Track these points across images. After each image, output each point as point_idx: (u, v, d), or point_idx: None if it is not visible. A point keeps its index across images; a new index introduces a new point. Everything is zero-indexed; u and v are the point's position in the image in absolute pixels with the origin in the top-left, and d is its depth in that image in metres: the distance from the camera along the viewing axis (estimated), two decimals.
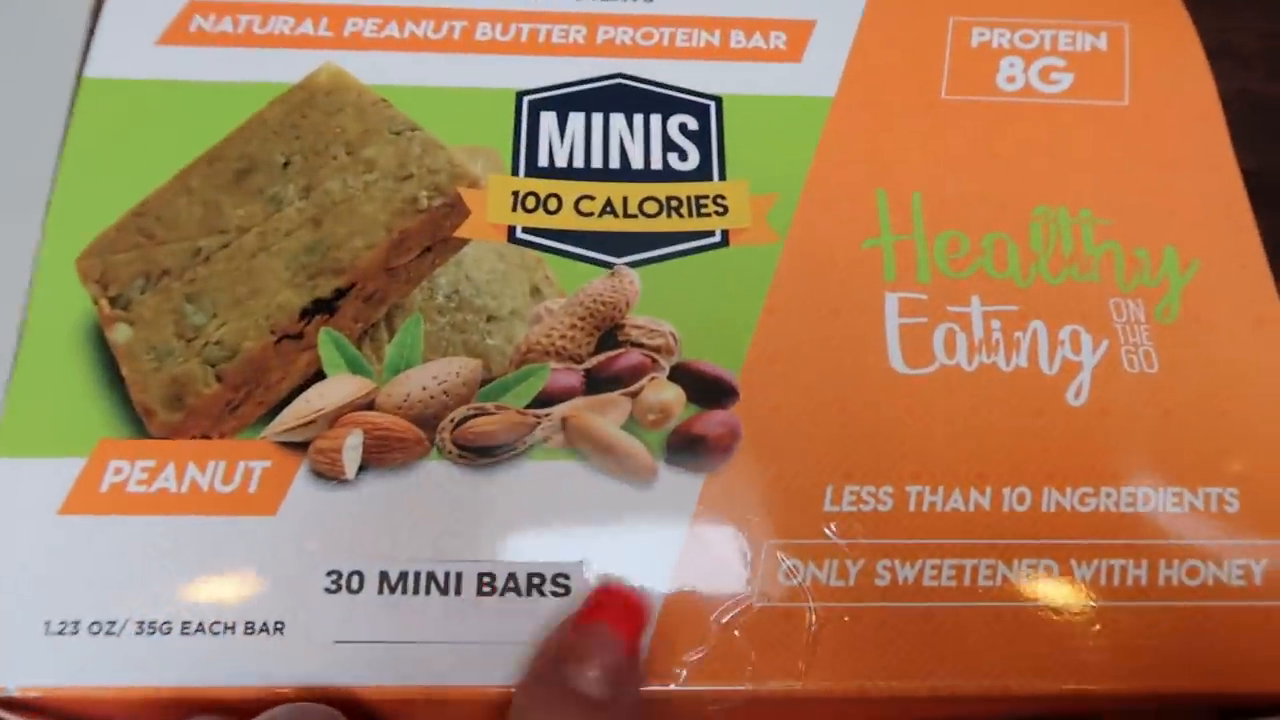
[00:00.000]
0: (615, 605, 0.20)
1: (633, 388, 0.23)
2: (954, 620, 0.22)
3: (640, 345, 0.24)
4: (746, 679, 0.21)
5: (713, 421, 0.23)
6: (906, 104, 0.27)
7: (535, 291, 0.24)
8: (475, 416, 0.23)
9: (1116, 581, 0.22)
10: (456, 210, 0.25)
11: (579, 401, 0.23)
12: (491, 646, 0.21)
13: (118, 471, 0.22)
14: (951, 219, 0.25)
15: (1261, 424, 0.23)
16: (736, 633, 0.21)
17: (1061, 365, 0.24)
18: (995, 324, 0.24)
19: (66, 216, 0.24)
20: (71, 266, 0.24)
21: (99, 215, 0.24)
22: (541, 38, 0.27)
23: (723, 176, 0.25)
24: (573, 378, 0.23)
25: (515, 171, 0.25)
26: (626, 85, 0.26)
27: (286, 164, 0.25)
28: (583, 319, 0.24)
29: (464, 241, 0.25)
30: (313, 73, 0.26)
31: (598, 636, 0.20)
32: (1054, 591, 0.22)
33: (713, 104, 0.26)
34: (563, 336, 0.24)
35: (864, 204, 0.25)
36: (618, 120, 0.26)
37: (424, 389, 0.23)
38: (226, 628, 0.21)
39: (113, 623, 0.21)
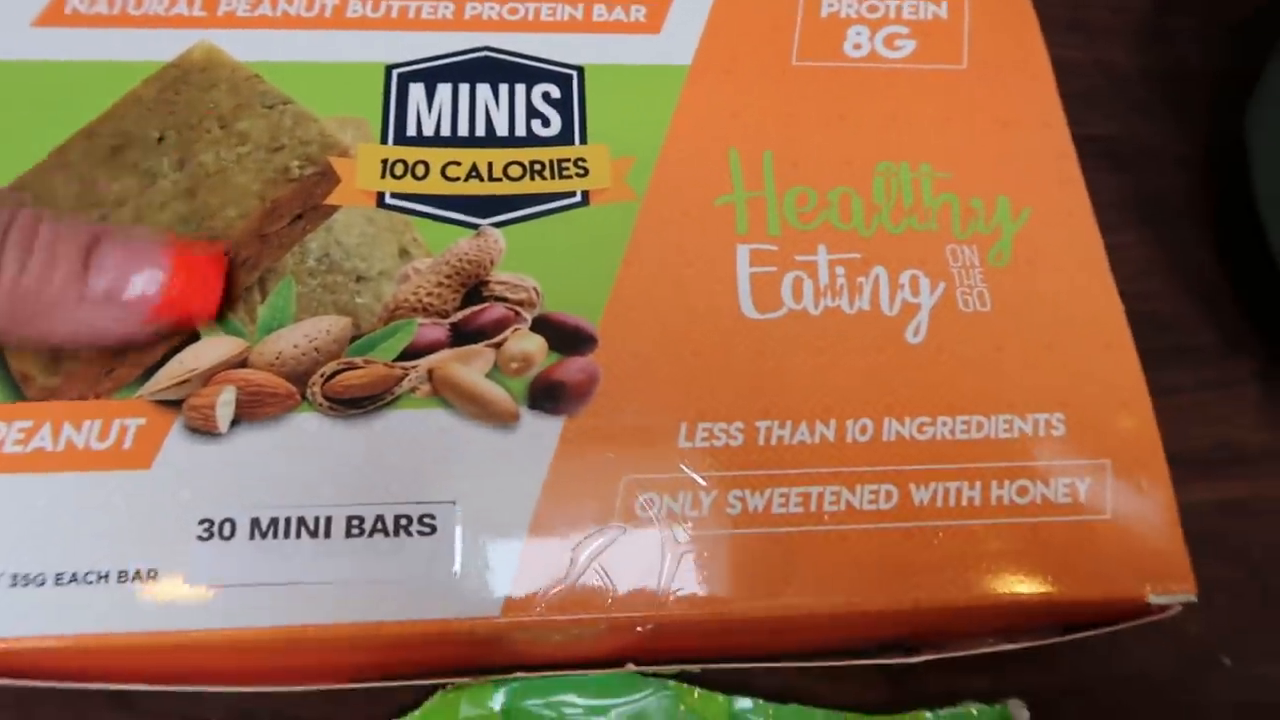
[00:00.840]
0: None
1: (496, 339, 0.24)
2: (802, 543, 0.23)
3: (504, 300, 0.25)
4: (609, 609, 0.22)
5: (572, 368, 0.24)
6: (759, 71, 0.28)
7: (404, 253, 0.25)
8: (344, 370, 0.24)
9: (952, 502, 0.24)
10: (327, 178, 0.26)
11: (444, 353, 0.24)
12: (360, 585, 0.22)
13: None
14: (800, 176, 0.27)
15: (1083, 358, 0.25)
16: (596, 565, 0.23)
17: (901, 307, 0.25)
18: (840, 270, 0.26)
19: None
20: None
21: None
22: (411, 13, 0.28)
23: (584, 141, 0.27)
24: (439, 331, 0.24)
25: (384, 140, 0.26)
26: (492, 58, 0.28)
27: (161, 139, 0.26)
28: (449, 277, 0.25)
29: (334, 208, 0.26)
30: (187, 50, 0.27)
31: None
32: (894, 513, 0.23)
33: (575, 74, 0.28)
34: (429, 294, 0.25)
35: (718, 164, 0.27)
36: (484, 90, 0.27)
37: (295, 346, 0.24)
38: (100, 576, 0.22)
39: None
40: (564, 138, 0.27)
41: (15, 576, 0.22)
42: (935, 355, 0.25)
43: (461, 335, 0.24)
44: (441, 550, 0.22)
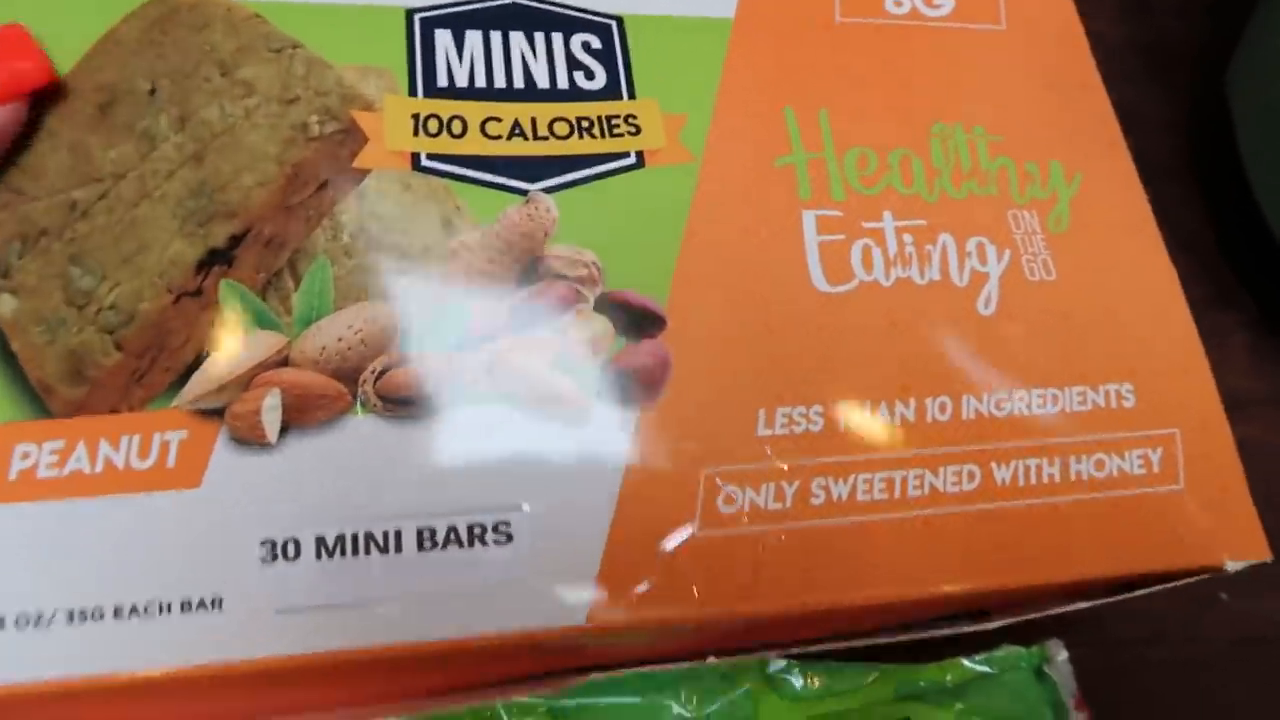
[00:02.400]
0: None
1: (559, 322, 0.22)
2: (888, 531, 0.22)
3: (563, 277, 0.23)
4: (694, 606, 0.21)
5: (642, 353, 0.23)
6: (803, 27, 0.26)
7: (447, 224, 0.23)
8: (397, 365, 0.22)
9: (1034, 480, 0.23)
10: (352, 136, 0.23)
11: (505, 341, 0.22)
12: (438, 599, 0.20)
13: (25, 456, 0.20)
14: (859, 136, 0.25)
15: (1144, 324, 0.25)
16: (681, 562, 0.21)
17: (971, 276, 0.25)
18: (907, 238, 0.25)
19: None
20: None
21: None
22: None
23: (632, 95, 0.25)
24: (496, 316, 0.22)
25: (413, 92, 0.24)
26: (521, 4, 0.25)
27: (153, 90, 0.23)
28: (501, 253, 0.23)
29: (364, 172, 0.23)
30: None
31: None
32: (978, 494, 0.23)
33: (614, 23, 0.25)
34: (481, 272, 0.23)
35: (774, 122, 0.25)
36: (518, 39, 0.25)
37: (340, 340, 0.22)
38: (163, 607, 0.20)
39: (40, 615, 0.19)
40: (610, 91, 0.24)
41: (71, 613, 0.19)
42: (1007, 326, 0.24)
43: (521, 319, 0.22)
44: (520, 558, 0.21)
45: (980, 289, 0.24)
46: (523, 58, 0.24)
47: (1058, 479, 0.23)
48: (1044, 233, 0.25)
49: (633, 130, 0.24)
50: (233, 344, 0.21)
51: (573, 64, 0.25)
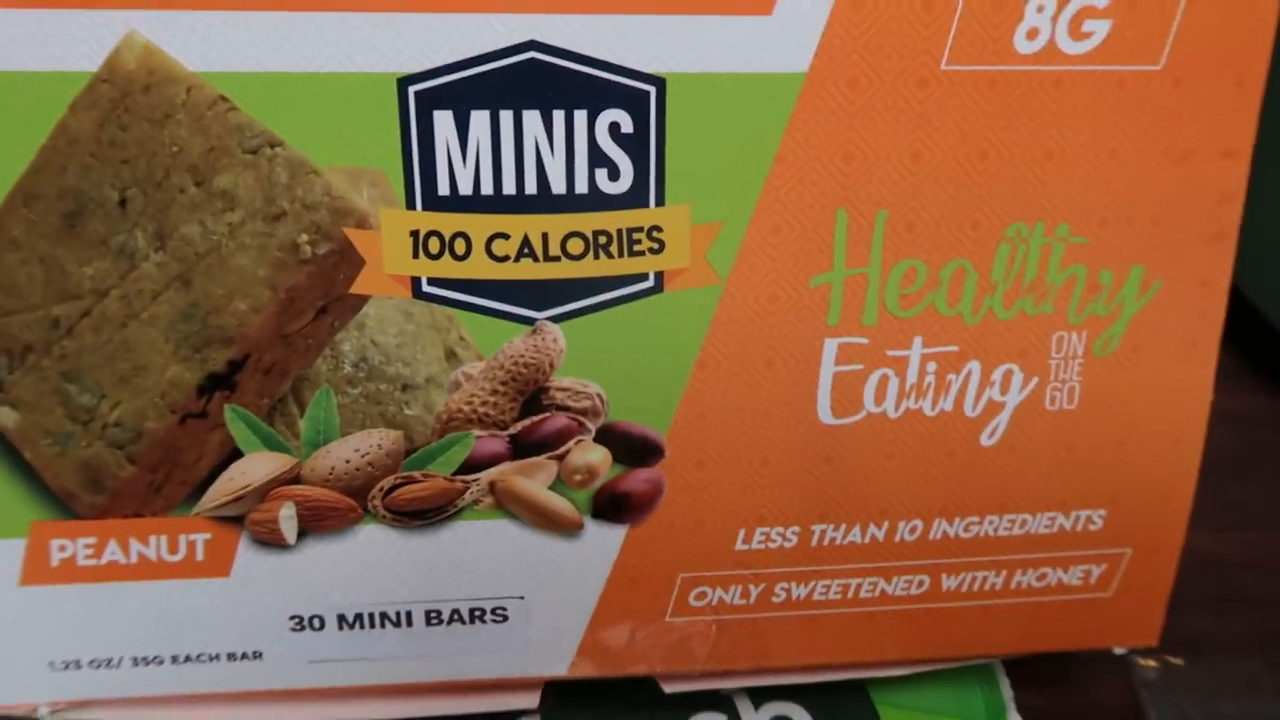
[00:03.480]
0: None
1: (559, 451, 0.23)
2: (834, 622, 0.26)
3: (566, 409, 0.23)
4: (657, 666, 0.26)
5: (638, 479, 0.24)
6: (895, 80, 0.21)
7: (450, 355, 0.22)
8: (404, 485, 0.23)
9: (976, 588, 0.26)
10: (348, 259, 0.21)
11: (506, 466, 0.23)
12: (442, 656, 0.25)
13: (62, 549, 0.23)
14: (914, 245, 0.23)
15: (1150, 454, 0.25)
16: (649, 636, 0.26)
17: (985, 407, 0.24)
18: (931, 366, 0.24)
19: None
20: None
21: None
22: None
23: (660, 200, 0.22)
24: (498, 444, 0.23)
25: (410, 203, 0.21)
26: (541, 63, 0.20)
27: (123, 201, 0.21)
28: (504, 383, 0.23)
29: (363, 299, 0.22)
30: (115, 53, 0.20)
31: None
32: (923, 598, 0.26)
33: (653, 90, 0.21)
34: (484, 403, 0.23)
35: (820, 231, 0.22)
36: (533, 122, 0.21)
37: (347, 462, 0.23)
38: (212, 657, 0.25)
39: (109, 659, 0.24)
40: (636, 196, 0.22)
41: (135, 659, 0.24)
42: (1004, 458, 0.25)
43: (522, 447, 0.23)
44: (514, 631, 0.25)
45: (990, 420, 0.24)
46: (537, 151, 0.21)
47: (999, 587, 0.26)
48: (1085, 357, 0.24)
49: (655, 247, 0.22)
50: (244, 462, 0.23)
51: (595, 158, 0.21)
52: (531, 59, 0.20)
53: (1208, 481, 0.37)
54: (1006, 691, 0.29)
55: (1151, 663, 0.32)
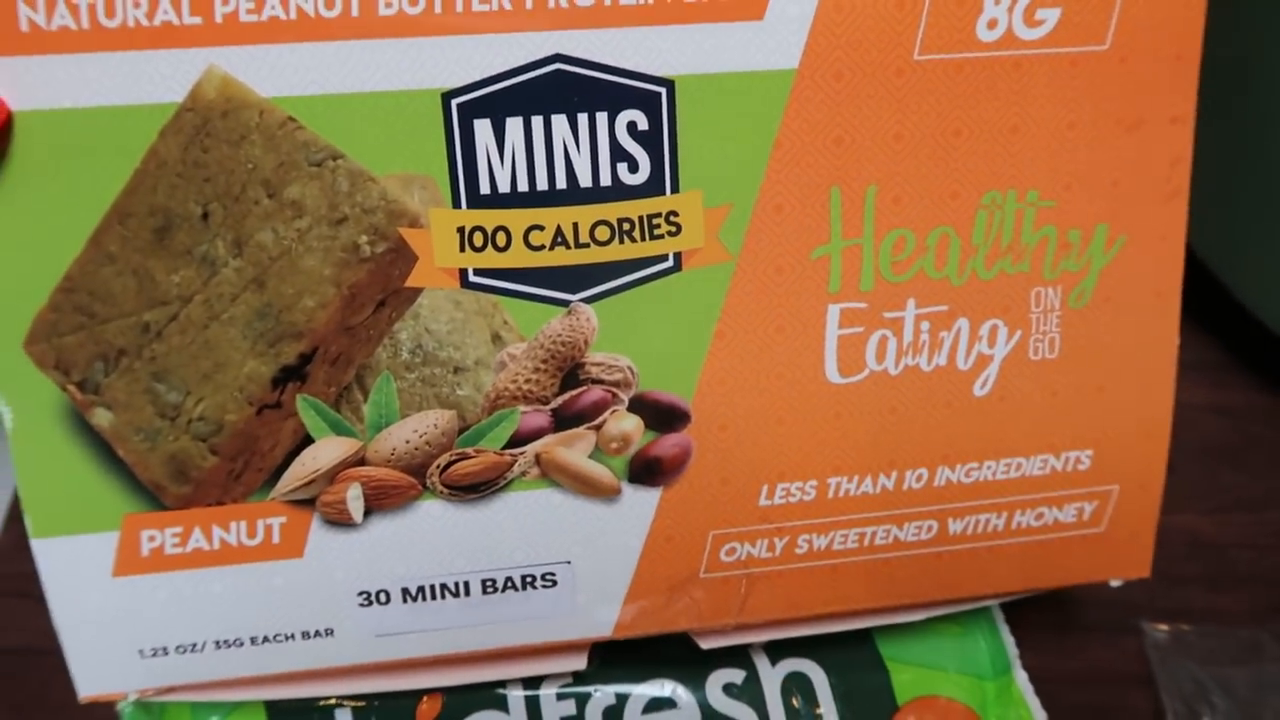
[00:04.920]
0: None
1: (596, 421, 0.26)
2: (854, 568, 0.28)
3: (600, 381, 0.26)
4: (695, 620, 0.28)
5: (667, 444, 0.26)
6: (874, 71, 0.24)
7: (496, 338, 0.25)
8: (459, 461, 0.26)
9: (981, 530, 0.28)
10: (403, 255, 0.24)
11: (549, 439, 0.26)
12: (499, 623, 0.27)
13: (151, 539, 0.25)
14: (902, 216, 0.25)
15: (1126, 395, 0.28)
16: (686, 592, 0.28)
17: (975, 360, 0.27)
18: (924, 325, 0.26)
19: None
20: (18, 352, 0.24)
21: (20, 289, 0.23)
22: (459, 3, 0.23)
23: (675, 187, 0.24)
24: (541, 418, 0.26)
25: (456, 203, 0.24)
26: (566, 73, 0.23)
27: (206, 215, 0.23)
28: (545, 361, 0.25)
29: (417, 291, 0.24)
30: (198, 85, 0.22)
31: None
32: (932, 542, 0.28)
33: (664, 91, 0.24)
34: (528, 381, 0.25)
35: (817, 207, 0.25)
36: (560, 125, 0.24)
37: (407, 442, 0.25)
38: (287, 637, 0.27)
39: (194, 644, 0.27)
40: (653, 185, 0.24)
41: (218, 642, 0.27)
42: (996, 405, 0.27)
43: (563, 420, 0.26)
44: (563, 596, 0.27)
45: (981, 371, 0.27)
46: (565, 151, 0.24)
47: (1001, 529, 0.28)
48: (1062, 309, 0.27)
49: (673, 230, 0.25)
50: (315, 448, 0.25)
51: (616, 154, 0.24)
52: (557, 70, 0.23)
53: (1203, 469, 0.40)
54: (1011, 647, 0.31)
55: (1163, 627, 0.34)
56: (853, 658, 0.30)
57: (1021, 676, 0.31)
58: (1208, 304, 0.41)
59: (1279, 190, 0.36)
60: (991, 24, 0.24)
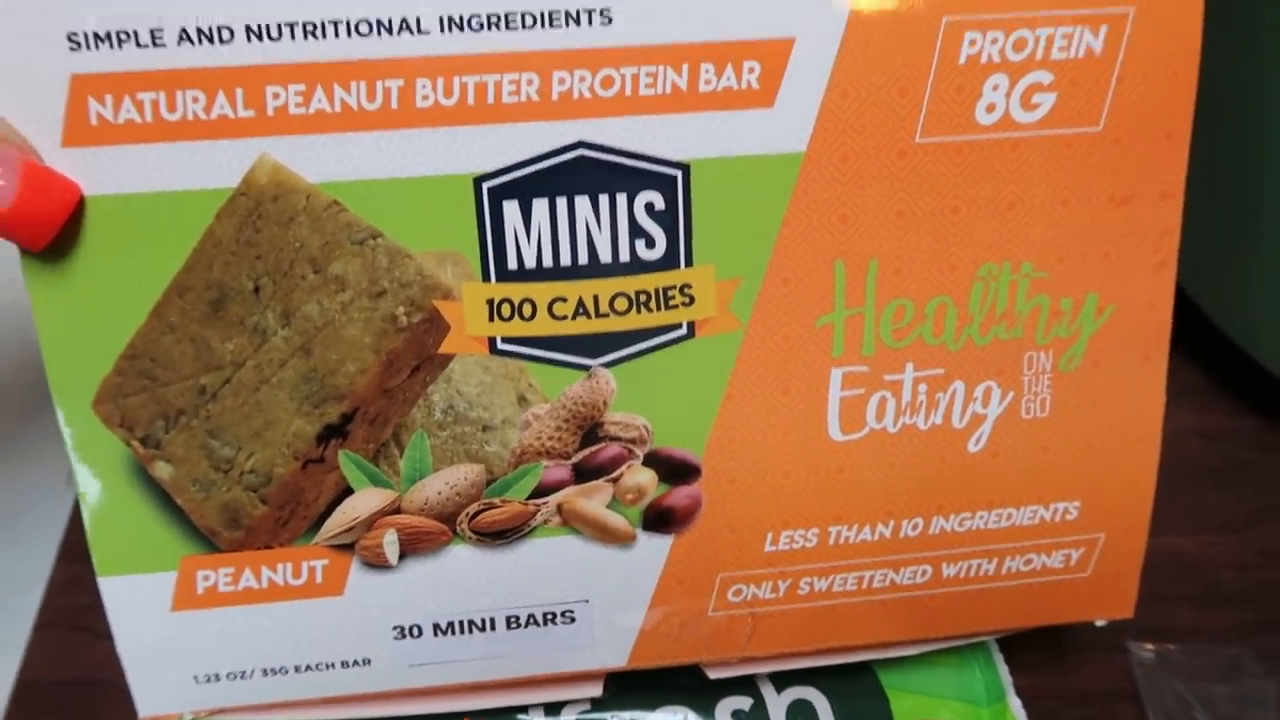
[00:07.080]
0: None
1: (613, 475, 0.28)
2: (852, 610, 0.30)
3: (618, 439, 0.28)
4: (702, 653, 0.30)
5: (679, 496, 0.28)
6: (878, 154, 0.26)
7: (522, 400, 0.27)
8: (486, 510, 0.28)
9: (973, 574, 0.30)
10: (436, 325, 0.26)
11: (570, 490, 0.28)
12: (523, 655, 0.30)
13: (206, 578, 0.28)
14: (902, 287, 0.27)
15: (1114, 451, 0.29)
16: (689, 634, 0.30)
17: (970, 419, 0.29)
18: (922, 388, 0.28)
19: (62, 360, 0.25)
20: (88, 411, 0.26)
21: (89, 355, 0.26)
22: (490, 95, 0.25)
23: (689, 262, 0.26)
24: (563, 471, 0.28)
25: (486, 277, 0.26)
26: (588, 158, 0.25)
27: (257, 289, 0.25)
28: (566, 421, 0.27)
29: (449, 357, 0.26)
30: (250, 172, 0.24)
31: None
32: (926, 585, 0.30)
33: (680, 174, 0.26)
34: (550, 438, 0.27)
35: (822, 280, 0.27)
36: (583, 206, 0.26)
37: (439, 493, 0.27)
38: (328, 665, 0.29)
39: (243, 672, 0.29)
40: (669, 260, 0.26)
41: (265, 670, 0.29)
42: (989, 460, 0.29)
43: (583, 473, 0.28)
44: (581, 631, 0.30)
45: (975, 429, 0.29)
46: (587, 229, 0.26)
47: (992, 573, 0.30)
48: (1053, 372, 0.28)
49: (687, 301, 0.27)
50: (355, 498, 0.27)
51: (635, 232, 0.26)
52: (580, 155, 0.25)
53: (1188, 491, 0.41)
54: (1005, 676, 0.33)
55: (1148, 646, 0.36)
56: (854, 686, 0.32)
57: (1015, 703, 0.33)
58: (1192, 331, 0.43)
59: (1258, 221, 0.38)
60: (990, 108, 0.26)
